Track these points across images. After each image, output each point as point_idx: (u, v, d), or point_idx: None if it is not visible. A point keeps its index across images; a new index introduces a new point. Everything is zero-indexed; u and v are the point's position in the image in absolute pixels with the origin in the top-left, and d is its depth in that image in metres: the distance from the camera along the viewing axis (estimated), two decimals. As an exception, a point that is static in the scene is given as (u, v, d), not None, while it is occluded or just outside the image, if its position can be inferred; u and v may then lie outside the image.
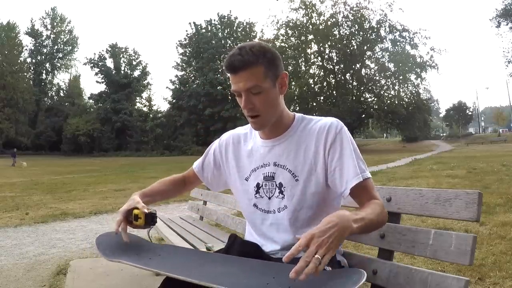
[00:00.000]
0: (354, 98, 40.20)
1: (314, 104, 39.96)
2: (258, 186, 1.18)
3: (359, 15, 38.90)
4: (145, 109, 55.74)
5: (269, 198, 1.16)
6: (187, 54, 49.84)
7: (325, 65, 41.61)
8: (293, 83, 35.17)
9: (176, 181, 1.41)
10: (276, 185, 1.15)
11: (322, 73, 41.84)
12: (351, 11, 39.53)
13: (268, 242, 1.16)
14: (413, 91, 39.83)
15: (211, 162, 1.34)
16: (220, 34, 49.77)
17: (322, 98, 41.73)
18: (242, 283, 0.88)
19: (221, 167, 1.31)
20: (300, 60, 41.59)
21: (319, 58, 41.76)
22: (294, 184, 1.13)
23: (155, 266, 0.96)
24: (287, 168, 1.14)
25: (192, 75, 49.37)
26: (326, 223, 0.85)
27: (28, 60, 58.47)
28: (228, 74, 1.10)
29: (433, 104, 63.81)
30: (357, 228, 0.91)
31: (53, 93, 62.80)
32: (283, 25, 40.87)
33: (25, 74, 55.94)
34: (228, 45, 49.22)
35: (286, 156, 1.15)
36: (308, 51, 42.05)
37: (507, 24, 32.67)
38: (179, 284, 0.90)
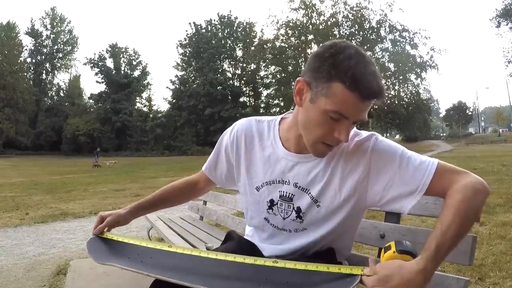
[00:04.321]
0: (354, 98, 40.19)
1: (314, 104, 39.94)
2: (272, 203, 1.07)
3: (359, 15, 38.88)
4: (145, 109, 55.78)
5: (284, 218, 1.06)
6: (187, 54, 49.81)
7: (325, 65, 41.58)
8: (293, 83, 35.08)
9: (186, 185, 1.29)
10: (293, 208, 1.04)
11: (322, 73, 41.80)
12: (351, 11, 39.51)
13: (270, 248, 1.12)
14: (413, 91, 39.80)
15: (223, 161, 1.18)
16: (220, 34, 49.73)
17: (322, 98, 41.70)
18: (233, 285, 0.88)
19: (233, 167, 1.16)
20: (300, 60, 41.53)
21: (319, 58, 41.71)
22: (315, 210, 1.02)
23: (146, 269, 0.95)
24: (309, 193, 1.01)
25: (192, 75, 49.34)
26: (392, 282, 0.75)
27: (28, 60, 58.37)
28: (349, 91, 0.84)
29: (433, 104, 63.72)
30: (431, 272, 0.77)
31: (53, 93, 62.68)
32: (283, 25, 40.80)
33: (25, 74, 55.80)
34: (228, 45, 49.18)
35: (311, 179, 1.01)
36: (308, 51, 41.95)
37: (507, 24, 32.61)
38: (168, 286, 0.88)
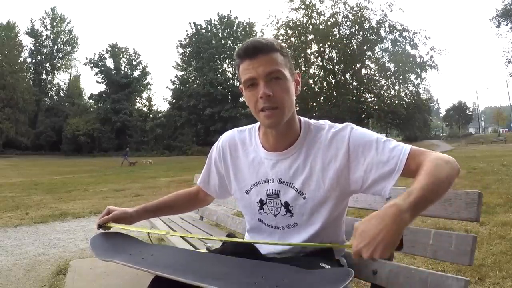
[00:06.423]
0: (354, 98, 40.18)
1: (314, 104, 39.97)
2: (261, 203, 1.13)
3: (359, 15, 38.89)
4: (145, 109, 55.77)
5: (275, 215, 1.11)
6: (187, 54, 49.81)
7: (325, 65, 41.60)
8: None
9: (188, 194, 1.37)
10: (281, 203, 1.09)
11: (322, 73, 41.83)
12: (351, 11, 39.53)
13: (267, 247, 1.15)
14: (413, 91, 39.83)
15: (215, 173, 1.26)
16: (220, 34, 49.73)
17: (322, 98, 41.73)
18: (230, 282, 0.89)
19: (224, 177, 1.24)
20: (300, 60, 41.58)
21: (319, 58, 41.73)
22: (302, 202, 1.07)
23: (146, 265, 0.97)
24: (293, 186, 1.07)
25: (192, 75, 49.33)
26: (371, 230, 0.76)
27: (28, 60, 58.33)
28: (241, 63, 1.02)
29: (433, 104, 63.74)
30: (413, 211, 0.79)
31: (53, 93, 62.66)
32: (283, 25, 40.85)
33: (25, 74, 55.78)
34: (228, 45, 49.17)
35: (293, 173, 1.07)
36: (308, 51, 42.04)
37: (507, 24, 32.60)
38: (168, 283, 0.90)
